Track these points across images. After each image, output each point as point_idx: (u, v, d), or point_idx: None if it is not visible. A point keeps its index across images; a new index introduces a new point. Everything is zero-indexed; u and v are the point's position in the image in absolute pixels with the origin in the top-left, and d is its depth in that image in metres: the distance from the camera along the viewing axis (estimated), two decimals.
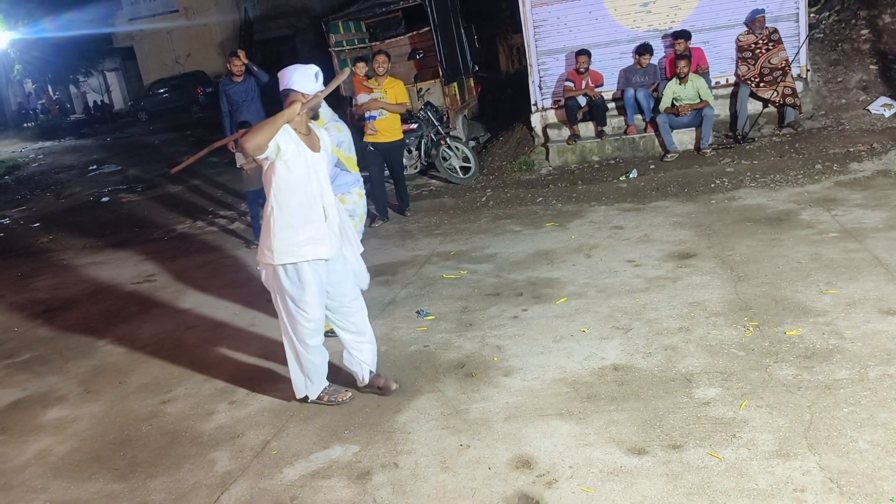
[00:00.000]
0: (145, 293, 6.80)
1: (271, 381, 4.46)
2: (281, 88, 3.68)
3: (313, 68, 3.68)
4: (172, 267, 7.58)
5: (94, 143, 21.50)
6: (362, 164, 8.51)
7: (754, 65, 8.74)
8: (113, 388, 4.76)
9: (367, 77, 8.00)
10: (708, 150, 8.50)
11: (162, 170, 14.08)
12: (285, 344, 3.93)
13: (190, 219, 9.82)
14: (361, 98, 7.73)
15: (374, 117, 7.64)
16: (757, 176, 7.47)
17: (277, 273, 3.72)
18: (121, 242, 9.20)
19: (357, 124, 8.31)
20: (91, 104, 31.75)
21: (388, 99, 7.67)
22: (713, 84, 8.97)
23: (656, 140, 8.92)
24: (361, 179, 5.15)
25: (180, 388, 4.61)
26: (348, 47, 11.24)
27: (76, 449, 4.04)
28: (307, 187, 3.65)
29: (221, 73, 14.64)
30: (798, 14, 8.86)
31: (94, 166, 16.22)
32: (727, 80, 9.16)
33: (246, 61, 8.02)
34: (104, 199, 12.38)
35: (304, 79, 3.63)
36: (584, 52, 9.08)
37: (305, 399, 4.04)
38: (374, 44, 11.85)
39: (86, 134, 24.68)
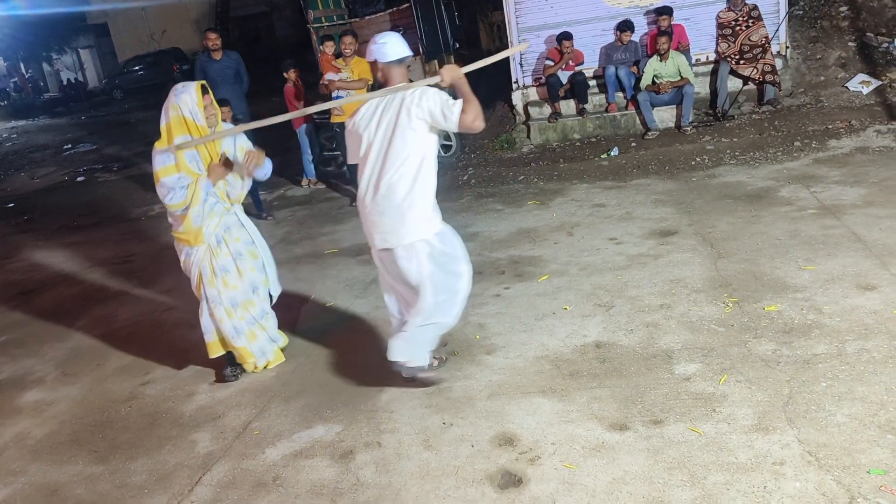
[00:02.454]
0: (123, 274, 6.71)
1: None
2: (390, 59, 3.42)
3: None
4: (151, 247, 7.49)
5: (68, 121, 21.15)
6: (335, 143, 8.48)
7: (734, 42, 8.73)
8: (91, 371, 4.71)
9: (336, 56, 7.92)
10: (688, 128, 8.51)
11: (138, 148, 13.87)
12: (438, 319, 3.61)
13: None
14: (329, 76, 7.67)
15: (341, 97, 7.58)
16: (737, 153, 7.49)
17: (438, 237, 3.54)
18: (97, 223, 9.07)
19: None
20: (65, 82, 31.15)
21: (354, 77, 7.62)
22: (693, 61, 8.95)
23: (637, 118, 8.91)
24: None
25: (160, 369, 4.57)
26: (327, 24, 11.09)
27: (55, 431, 4.00)
28: None
29: (198, 49, 14.44)
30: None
31: (69, 145, 15.97)
32: (707, 58, 9.15)
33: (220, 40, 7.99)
34: (80, 179, 12.19)
35: (404, 42, 3.51)
36: (567, 37, 8.98)
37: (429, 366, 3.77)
38: (353, 20, 11.69)
39: (60, 112, 24.31)
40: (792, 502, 2.63)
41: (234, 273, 4.09)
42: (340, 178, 8.94)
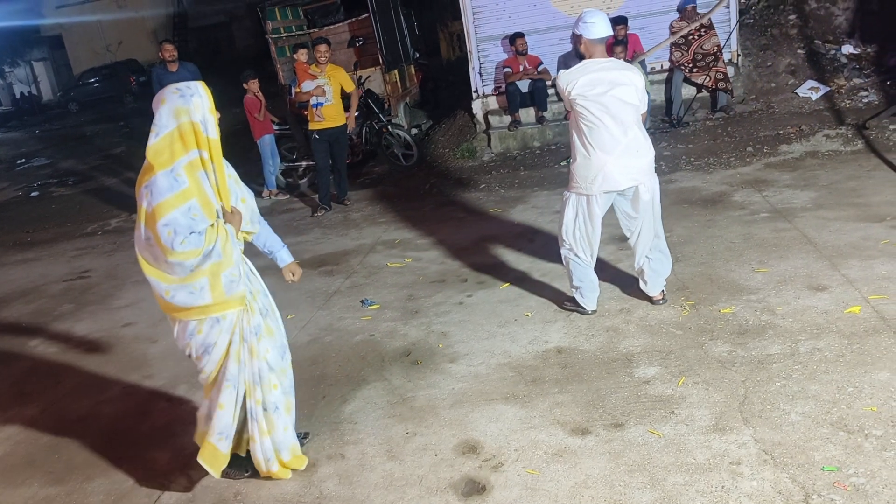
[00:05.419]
0: (79, 290, 6.57)
1: None
2: (595, 37, 3.95)
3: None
4: (107, 262, 7.35)
5: (22, 135, 20.71)
6: (308, 151, 8.43)
7: (688, 50, 8.92)
8: (47, 390, 4.60)
9: (309, 64, 7.89)
10: None
11: (94, 161, 13.63)
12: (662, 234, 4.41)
13: (125, 212, 9.51)
14: (307, 85, 7.61)
15: (320, 104, 7.57)
16: (692, 159, 7.64)
17: None
18: (52, 238, 8.87)
19: (297, 112, 8.20)
20: (18, 95, 30.48)
21: (333, 85, 7.60)
22: (648, 70, 9.12)
23: None
24: None
25: (117, 387, 4.47)
26: (286, 34, 11.05)
27: (8, 453, 3.89)
28: None
29: (154, 61, 14.27)
30: (729, 0, 9.06)
31: (23, 160, 15.63)
32: (662, 66, 9.33)
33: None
34: (34, 194, 11.92)
35: (608, 23, 4.05)
36: (519, 35, 9.13)
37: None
38: (312, 31, 11.65)
39: (13, 126, 23.79)
40: (749, 501, 2.68)
41: (265, 335, 3.11)
42: (313, 184, 8.90)
